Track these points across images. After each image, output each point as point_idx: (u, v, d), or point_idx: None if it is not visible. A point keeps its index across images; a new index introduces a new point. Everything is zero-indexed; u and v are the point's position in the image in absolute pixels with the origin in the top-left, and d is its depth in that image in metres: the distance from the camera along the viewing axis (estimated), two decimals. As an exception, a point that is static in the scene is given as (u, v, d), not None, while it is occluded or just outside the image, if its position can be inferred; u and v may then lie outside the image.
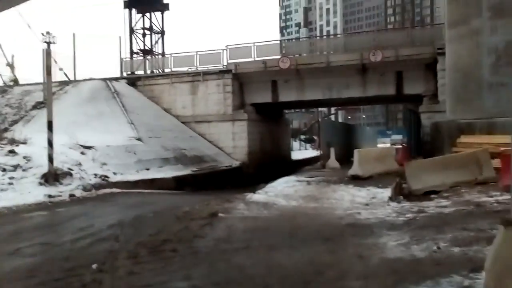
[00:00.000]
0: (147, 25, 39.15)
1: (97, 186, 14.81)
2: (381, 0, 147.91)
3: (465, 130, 14.48)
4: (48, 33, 14.11)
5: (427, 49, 22.37)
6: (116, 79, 27.48)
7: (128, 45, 37.98)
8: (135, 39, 39.19)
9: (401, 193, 11.49)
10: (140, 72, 28.35)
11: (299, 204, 10.14)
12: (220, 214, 8.93)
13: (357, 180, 12.73)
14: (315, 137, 47.07)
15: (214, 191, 19.64)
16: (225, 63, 25.78)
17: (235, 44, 25.93)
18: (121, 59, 28.26)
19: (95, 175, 15.47)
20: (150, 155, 19.45)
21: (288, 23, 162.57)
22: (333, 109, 63.61)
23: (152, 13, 39.41)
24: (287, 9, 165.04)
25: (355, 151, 13.54)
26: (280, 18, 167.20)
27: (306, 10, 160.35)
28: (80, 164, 15.51)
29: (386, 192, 10.62)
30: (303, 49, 26.91)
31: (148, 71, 28.68)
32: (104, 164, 16.68)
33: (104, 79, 26.41)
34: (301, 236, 7.24)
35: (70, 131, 17.08)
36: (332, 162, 18.99)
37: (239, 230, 7.74)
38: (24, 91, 25.97)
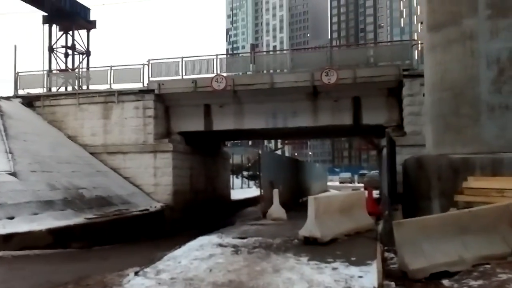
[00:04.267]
0: (70, 43, 34.24)
1: None
2: (326, 40, 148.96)
3: (461, 168, 10.08)
4: None
5: (390, 70, 18.49)
6: (8, 98, 21.94)
7: (47, 64, 32.91)
8: (55, 58, 34.05)
9: (389, 273, 6.81)
10: (40, 90, 22.65)
11: (209, 303, 5.27)
12: None
13: (314, 246, 7.92)
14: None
15: (118, 246, 14.53)
16: (146, 82, 20.82)
17: (159, 59, 21.02)
18: (16, 74, 22.57)
19: None
20: (24, 196, 13.93)
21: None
22: (280, 143, 59.95)
23: (76, 31, 34.61)
24: (234, 45, 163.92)
25: (310, 199, 8.69)
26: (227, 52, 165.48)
27: (253, 46, 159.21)
28: None
29: (366, 276, 5.94)
30: (242, 67, 22.31)
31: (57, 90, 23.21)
32: None
33: (-8, 98, 20.96)
34: None
35: None
36: (276, 210, 13.87)
37: None
38: None
